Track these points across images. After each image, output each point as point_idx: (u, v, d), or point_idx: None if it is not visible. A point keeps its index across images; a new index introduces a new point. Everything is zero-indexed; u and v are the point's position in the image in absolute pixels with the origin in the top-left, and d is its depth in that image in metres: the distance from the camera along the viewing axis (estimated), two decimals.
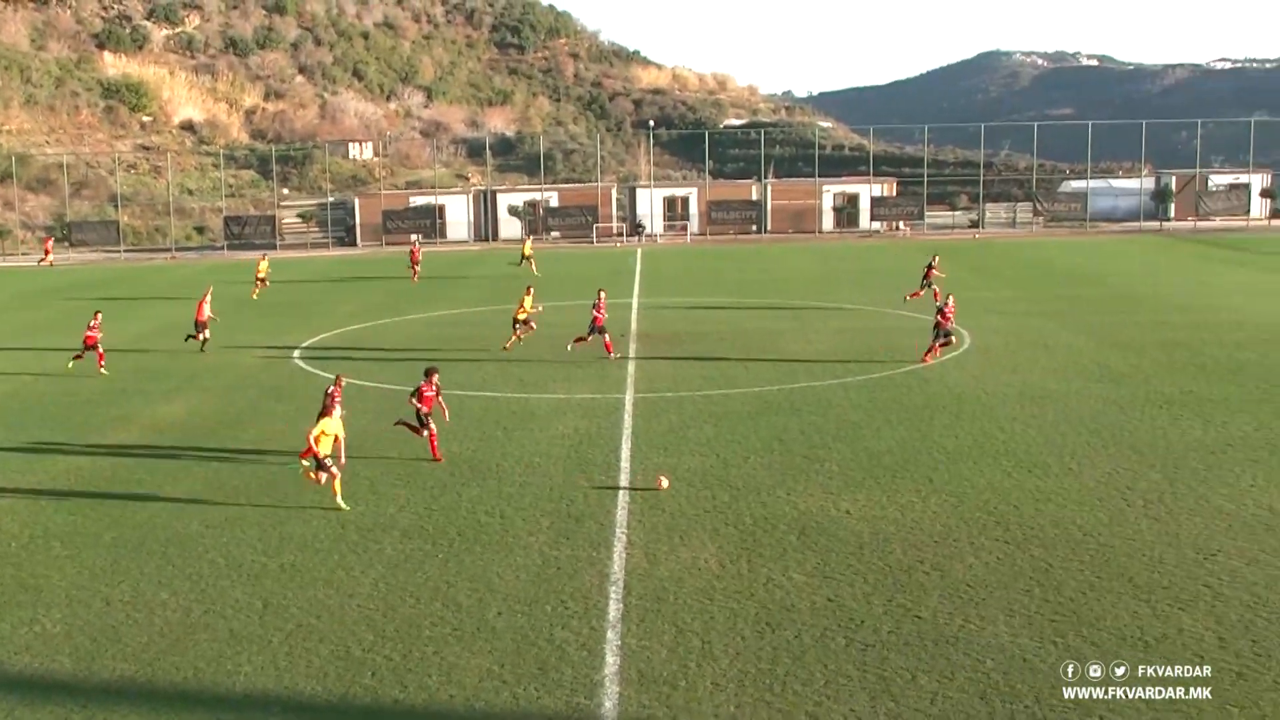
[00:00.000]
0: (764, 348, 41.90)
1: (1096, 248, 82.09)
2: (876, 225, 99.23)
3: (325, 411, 25.36)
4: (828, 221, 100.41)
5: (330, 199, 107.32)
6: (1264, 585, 19.02)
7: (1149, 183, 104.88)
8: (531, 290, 44.89)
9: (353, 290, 64.84)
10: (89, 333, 40.07)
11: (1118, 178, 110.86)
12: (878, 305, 52.96)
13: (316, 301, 59.96)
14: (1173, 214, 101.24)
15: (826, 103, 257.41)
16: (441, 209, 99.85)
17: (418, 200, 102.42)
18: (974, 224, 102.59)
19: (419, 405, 27.51)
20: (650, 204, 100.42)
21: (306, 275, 74.85)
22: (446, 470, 26.77)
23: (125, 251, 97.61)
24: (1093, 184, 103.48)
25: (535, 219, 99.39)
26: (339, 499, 24.01)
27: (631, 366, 39.17)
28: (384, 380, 37.53)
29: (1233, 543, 21.05)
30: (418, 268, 68.70)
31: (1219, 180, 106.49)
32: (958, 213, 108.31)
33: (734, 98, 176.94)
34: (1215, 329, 43.46)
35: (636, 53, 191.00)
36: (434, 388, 27.70)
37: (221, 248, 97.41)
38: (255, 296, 61.41)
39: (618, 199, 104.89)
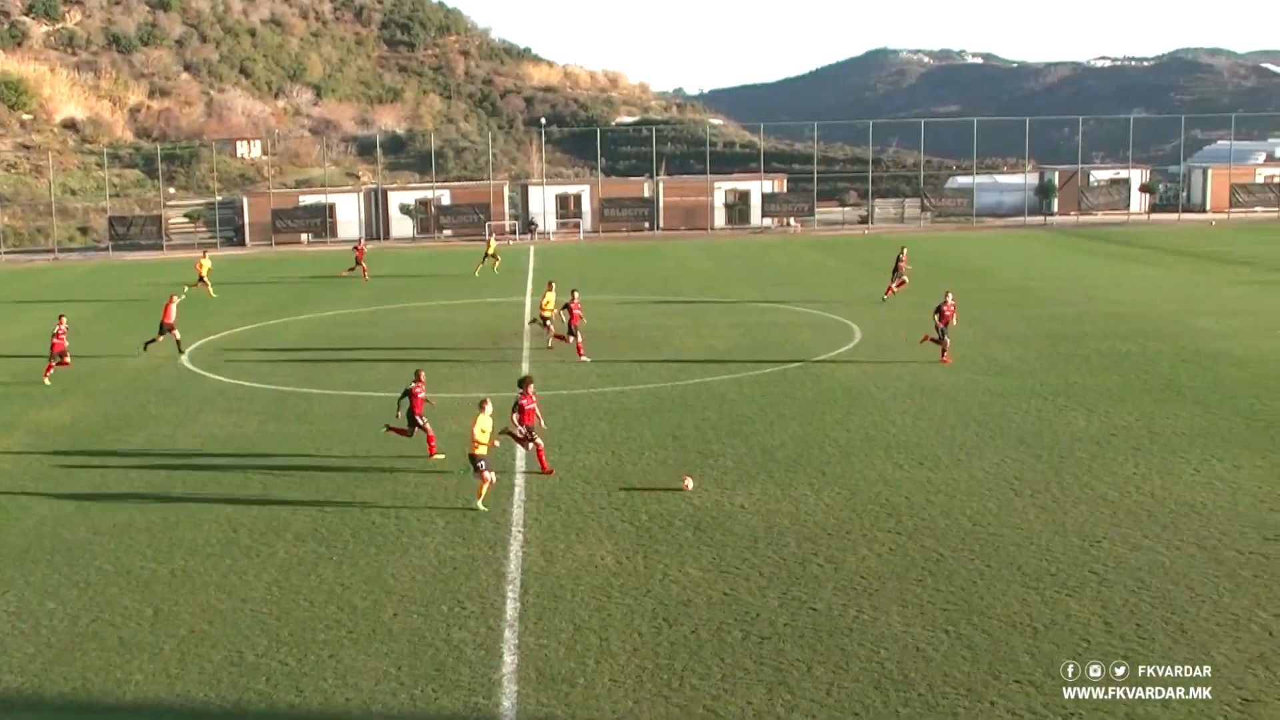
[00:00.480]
0: (658, 344, 42.06)
1: (982, 242, 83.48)
2: (768, 222, 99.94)
3: (415, 404, 27.31)
4: (720, 218, 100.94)
5: (218, 198, 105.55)
6: (1147, 570, 19.51)
7: (1033, 178, 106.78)
8: (554, 285, 43.88)
9: (243, 291, 63.91)
10: (55, 340, 38.73)
11: (1003, 173, 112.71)
12: (770, 300, 53.37)
13: (205, 302, 59.01)
14: (1056, 209, 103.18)
15: (718, 100, 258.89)
16: (332, 208, 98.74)
17: (308, 199, 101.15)
18: (863, 220, 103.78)
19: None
20: (543, 202, 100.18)
21: (194, 276, 73.50)
22: (340, 471, 26.53)
23: (6, 253, 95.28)
24: (978, 180, 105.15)
25: (427, 217, 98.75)
26: (480, 502, 23.65)
27: (526, 365, 39.09)
28: (277, 382, 37.06)
29: (1117, 530, 21.56)
30: (363, 265, 67.02)
31: (1100, 176, 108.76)
32: (847, 209, 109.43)
33: (626, 95, 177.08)
34: (1097, 321, 44.43)
35: (528, 50, 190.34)
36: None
37: (106, 248, 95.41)
38: (213, 294, 60.09)
39: (510, 197, 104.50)
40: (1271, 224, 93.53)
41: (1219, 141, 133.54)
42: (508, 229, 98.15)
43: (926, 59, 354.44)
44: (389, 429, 28.25)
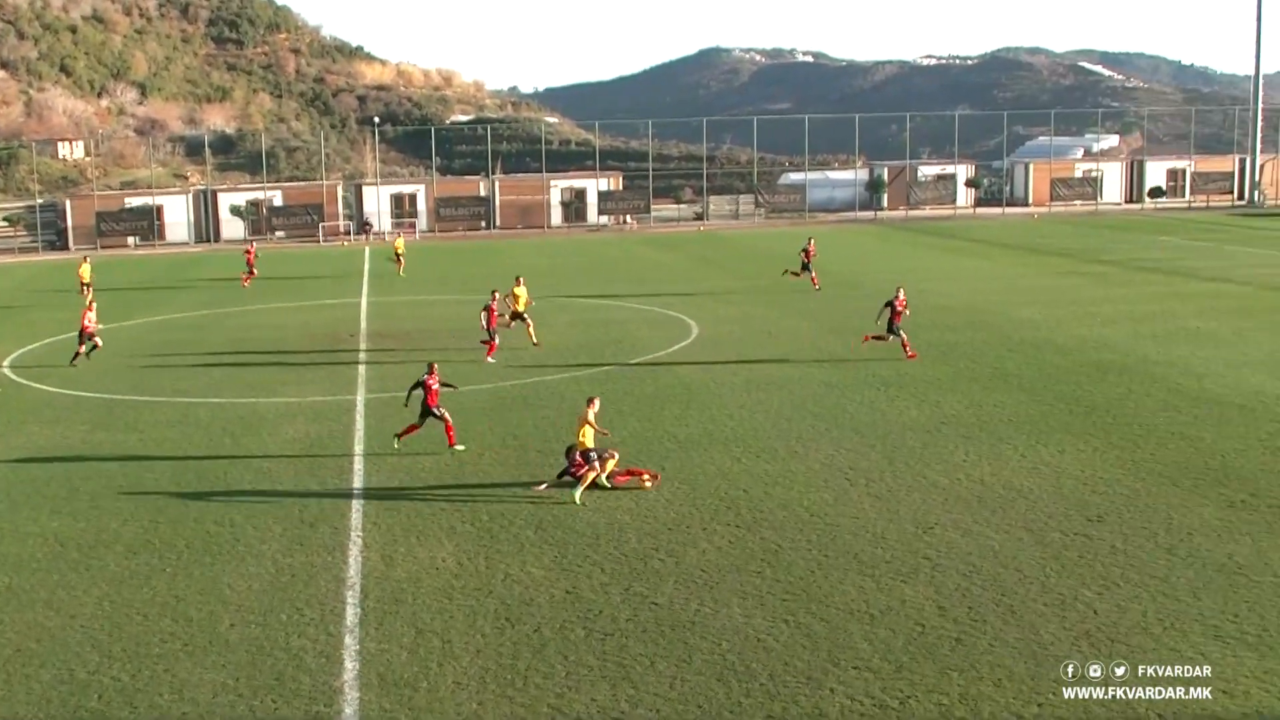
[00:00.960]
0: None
1: (815, 237, 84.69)
2: (604, 219, 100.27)
3: (429, 396, 27.33)
4: (556, 216, 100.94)
5: (39, 201, 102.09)
6: (978, 555, 20.07)
7: (863, 174, 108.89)
8: (522, 281, 43.03)
9: (68, 297, 61.94)
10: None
11: (834, 169, 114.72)
12: (608, 297, 53.54)
13: (28, 309, 57.10)
14: (885, 203, 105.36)
15: (553, 98, 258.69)
16: (159, 210, 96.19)
17: (134, 201, 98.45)
18: (699, 216, 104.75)
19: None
20: (377, 202, 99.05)
21: (15, 282, 71.17)
22: (172, 480, 25.90)
23: None
24: (810, 176, 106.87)
25: (259, 219, 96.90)
26: (578, 493, 23.48)
27: (363, 368, 38.65)
28: (105, 390, 36.02)
29: (948, 515, 22.13)
30: (253, 269, 63.98)
31: (927, 171, 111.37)
32: (683, 206, 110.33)
33: (460, 94, 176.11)
34: (926, 313, 45.47)
35: (360, 49, 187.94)
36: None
37: None
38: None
39: (344, 197, 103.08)
40: (1089, 217, 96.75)
41: (1040, 137, 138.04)
42: (342, 229, 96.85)
43: (759, 57, 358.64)
44: (399, 436, 27.75)
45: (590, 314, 48.98)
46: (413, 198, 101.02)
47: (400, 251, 68.07)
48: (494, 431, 29.29)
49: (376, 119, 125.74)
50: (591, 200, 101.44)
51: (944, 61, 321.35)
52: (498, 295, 40.32)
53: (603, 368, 36.97)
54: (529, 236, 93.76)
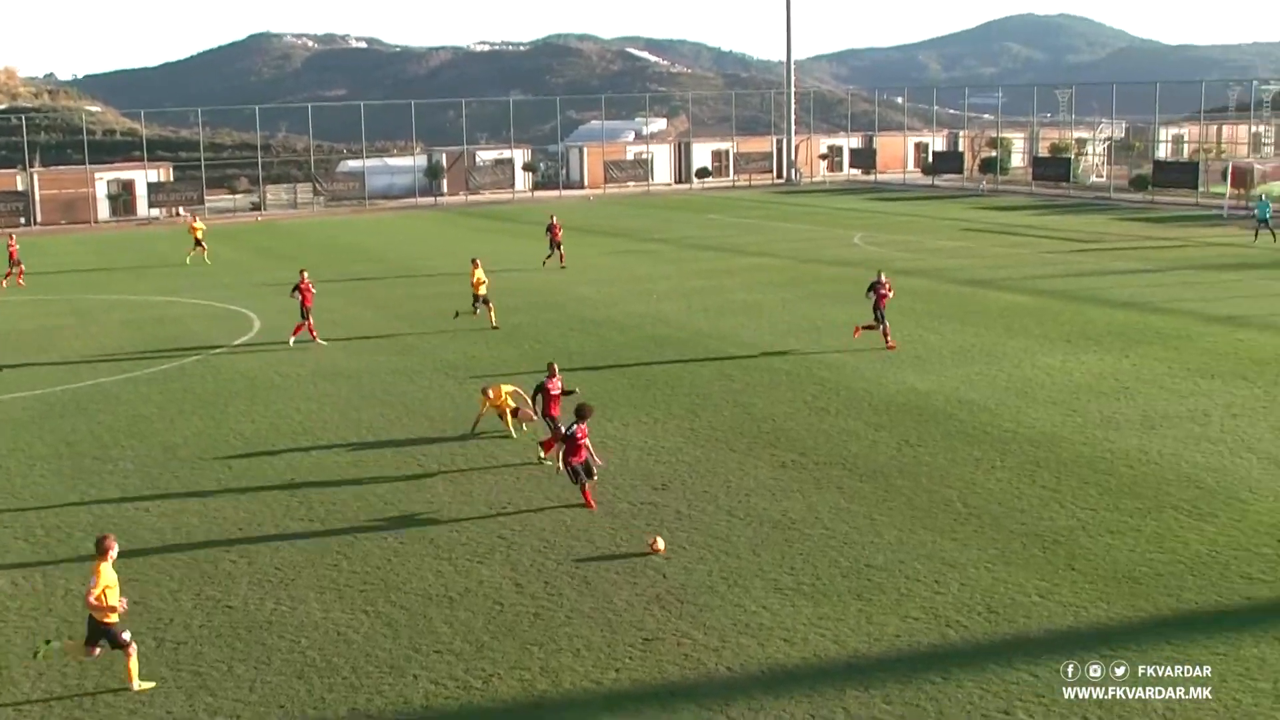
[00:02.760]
0: (42, 348, 39.37)
1: (377, 225, 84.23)
2: (155, 212, 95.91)
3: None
4: (103, 210, 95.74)
5: None
6: (550, 530, 20.63)
7: (421, 160, 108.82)
8: (478, 262, 41.28)
9: None
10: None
11: (393, 156, 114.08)
12: (163, 294, 51.27)
13: None
14: (445, 189, 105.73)
15: (95, 86, 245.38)
16: None
17: None
18: (256, 206, 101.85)
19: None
20: None
21: None
22: None
23: None
24: (369, 163, 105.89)
25: None
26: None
27: None
28: None
29: (521, 495, 22.61)
30: (20, 265, 55.43)
31: (485, 156, 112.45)
32: (239, 196, 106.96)
33: None
34: (494, 296, 46.03)
35: None
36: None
37: None
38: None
39: None
40: (642, 197, 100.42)
41: (592, 121, 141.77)
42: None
43: (311, 43, 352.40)
44: (547, 457, 24.42)
45: (145, 312, 46.77)
46: None
47: (200, 237, 62.92)
48: (44, 441, 27.57)
49: None
50: (141, 192, 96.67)
51: (497, 48, 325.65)
52: (306, 274, 39.38)
53: (161, 367, 35.46)
54: (75, 232, 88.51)
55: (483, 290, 40.68)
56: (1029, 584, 17.89)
